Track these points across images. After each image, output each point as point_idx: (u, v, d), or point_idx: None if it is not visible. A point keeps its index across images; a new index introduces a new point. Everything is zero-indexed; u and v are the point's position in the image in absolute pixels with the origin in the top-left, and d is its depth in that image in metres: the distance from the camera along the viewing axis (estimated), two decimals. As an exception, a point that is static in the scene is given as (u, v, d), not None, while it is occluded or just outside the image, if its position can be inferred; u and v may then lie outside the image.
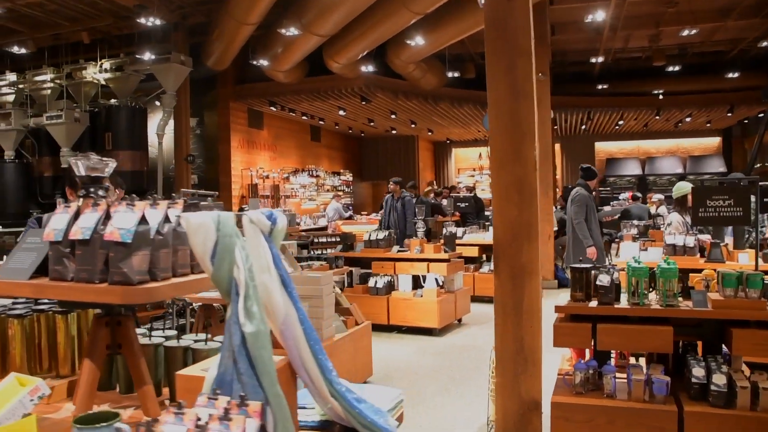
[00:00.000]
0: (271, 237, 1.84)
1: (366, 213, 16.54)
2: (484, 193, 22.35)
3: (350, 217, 15.79)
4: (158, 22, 12.53)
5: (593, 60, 15.03)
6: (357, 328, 5.50)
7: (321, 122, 17.40)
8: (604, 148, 21.84)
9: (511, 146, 3.72)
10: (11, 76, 12.98)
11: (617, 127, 19.84)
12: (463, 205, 13.19)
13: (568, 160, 21.74)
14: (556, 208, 12.49)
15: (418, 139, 22.08)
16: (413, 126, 18.71)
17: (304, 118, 16.38)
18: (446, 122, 18.31)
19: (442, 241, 8.02)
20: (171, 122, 13.05)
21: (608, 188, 20.01)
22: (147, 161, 12.73)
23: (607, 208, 15.25)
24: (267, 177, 15.54)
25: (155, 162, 13.39)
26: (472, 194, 14.54)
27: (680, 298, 3.75)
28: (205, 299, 4.94)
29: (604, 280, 3.79)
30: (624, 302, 3.79)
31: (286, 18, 10.31)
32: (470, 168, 23.87)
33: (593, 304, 3.80)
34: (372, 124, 17.99)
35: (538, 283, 3.71)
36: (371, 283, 7.75)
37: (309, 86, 13.67)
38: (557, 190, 20.10)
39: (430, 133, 21.18)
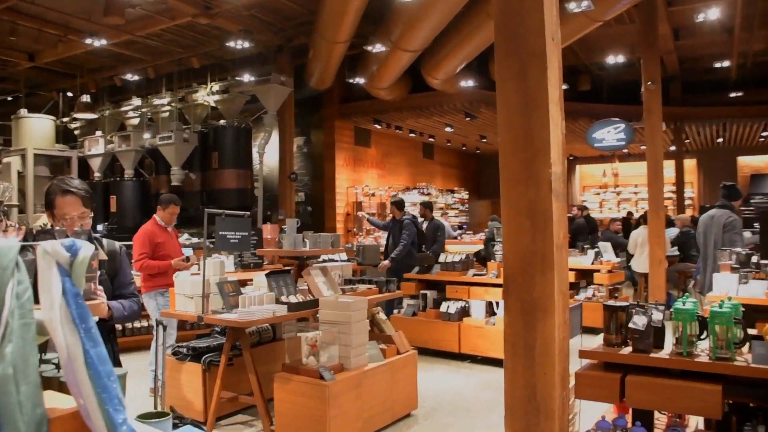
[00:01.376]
0: (72, 269, 1.60)
1: (471, 233, 16.01)
2: (611, 212, 20.95)
3: (457, 237, 15.35)
4: (261, 45, 13.06)
5: (725, 64, 13.52)
6: (398, 357, 5.13)
7: (431, 139, 17.16)
8: (747, 162, 19.63)
9: (521, 165, 3.24)
10: (136, 101, 14.01)
11: (762, 139, 17.75)
12: (573, 226, 12.32)
13: (706, 177, 19.77)
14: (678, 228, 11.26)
15: (538, 155, 21.11)
16: (529, 142, 17.87)
17: (412, 135, 16.23)
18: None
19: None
20: (277, 141, 13.44)
21: (752, 208, 17.90)
22: (251, 179, 13.15)
23: (747, 234, 13.59)
24: (373, 195, 15.52)
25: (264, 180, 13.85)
26: (584, 214, 13.57)
27: (743, 350, 3.06)
28: (233, 322, 4.83)
29: (638, 322, 3.18)
30: (668, 350, 3.16)
31: (375, 35, 10.22)
32: (596, 185, 22.47)
33: (626, 350, 3.20)
34: (485, 140, 17.46)
35: (553, 322, 3.18)
36: (443, 307, 7.33)
37: (411, 103, 13.50)
38: (692, 209, 18.32)
39: (550, 149, 20.17)
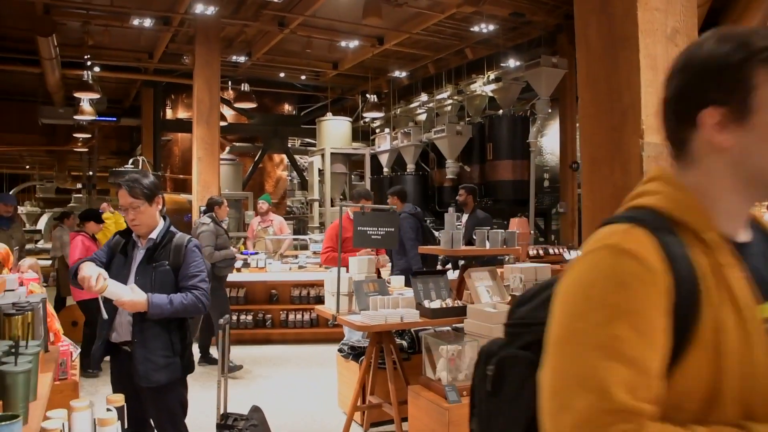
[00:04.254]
0: None
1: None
2: None
3: None
4: (539, 27, 12.21)
5: None
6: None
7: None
8: None
9: (605, 134, 2.17)
10: (423, 97, 14.45)
11: None
12: None
13: None
14: None
15: None
16: None
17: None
18: None
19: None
20: (557, 130, 12.48)
21: None
22: (528, 170, 12.41)
23: None
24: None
25: (546, 170, 13.03)
26: None
27: None
28: (351, 324, 4.41)
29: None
30: None
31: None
32: None
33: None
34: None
35: None
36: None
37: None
38: None
39: None
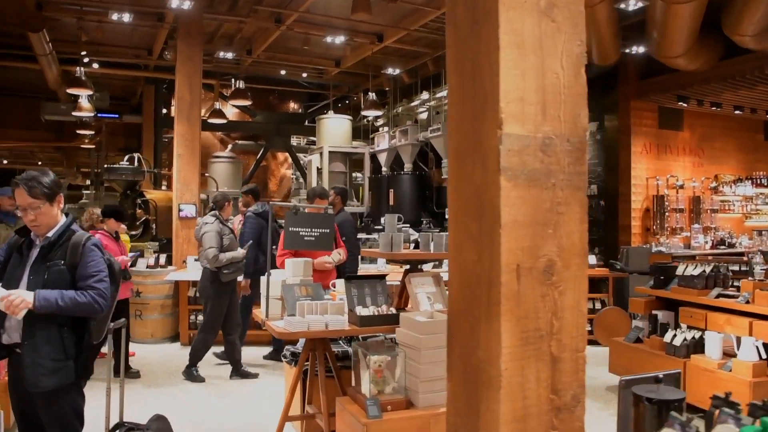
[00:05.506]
0: None
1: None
2: None
3: None
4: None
5: None
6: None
7: (769, 116, 13.51)
8: None
9: (469, 123, 1.93)
10: (425, 96, 14.17)
11: None
12: None
13: None
14: None
15: None
16: None
17: (738, 112, 12.98)
18: None
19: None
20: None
21: None
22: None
23: None
24: (681, 187, 12.89)
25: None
26: None
27: None
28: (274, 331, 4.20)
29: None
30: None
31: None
32: None
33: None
34: None
35: (497, 406, 1.81)
36: (668, 336, 5.45)
37: (720, 72, 10.72)
38: None
39: None
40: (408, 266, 4.39)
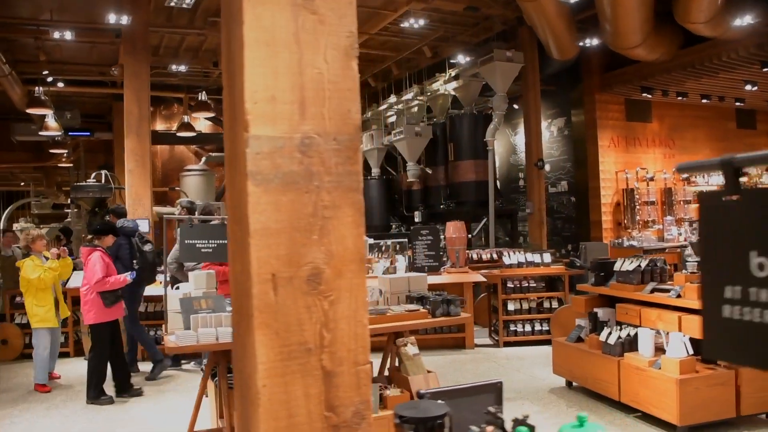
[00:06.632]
0: None
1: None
2: None
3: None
4: (499, 21, 11.79)
5: None
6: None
7: (738, 104, 13.35)
8: None
9: (230, 127, 1.81)
10: (392, 99, 14.07)
11: None
12: None
13: None
14: None
15: None
16: None
17: (705, 101, 12.85)
18: None
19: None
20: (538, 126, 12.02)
21: None
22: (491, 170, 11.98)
23: None
24: (652, 179, 12.76)
25: (521, 168, 12.65)
26: None
27: None
28: (167, 346, 4.09)
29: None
30: None
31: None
32: None
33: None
34: (829, 96, 12.90)
35: (258, 422, 1.70)
36: (603, 335, 5.32)
37: (681, 61, 10.61)
38: None
39: None
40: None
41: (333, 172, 1.78)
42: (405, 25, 11.80)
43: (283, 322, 1.71)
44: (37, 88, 11.23)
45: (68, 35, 8.98)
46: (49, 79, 13.03)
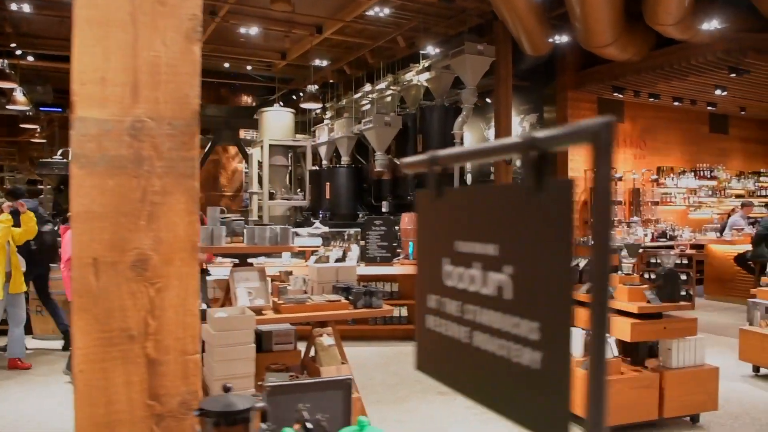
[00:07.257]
0: None
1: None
2: None
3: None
4: (474, 14, 11.74)
5: None
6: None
7: (710, 108, 13.39)
8: None
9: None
10: (367, 87, 14.00)
11: None
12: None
13: None
14: None
15: None
16: None
17: (677, 104, 12.89)
18: None
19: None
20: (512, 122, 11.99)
21: None
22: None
23: None
24: (620, 179, 12.81)
25: (482, 164, 12.58)
26: None
27: None
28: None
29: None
30: None
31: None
32: None
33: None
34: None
35: (76, 408, 1.67)
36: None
37: (651, 63, 10.62)
38: None
39: None
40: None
41: (166, 158, 1.75)
42: (381, 14, 11.75)
43: (104, 308, 1.68)
44: (1, 60, 11.06)
45: (26, 7, 8.80)
46: (18, 52, 12.83)
